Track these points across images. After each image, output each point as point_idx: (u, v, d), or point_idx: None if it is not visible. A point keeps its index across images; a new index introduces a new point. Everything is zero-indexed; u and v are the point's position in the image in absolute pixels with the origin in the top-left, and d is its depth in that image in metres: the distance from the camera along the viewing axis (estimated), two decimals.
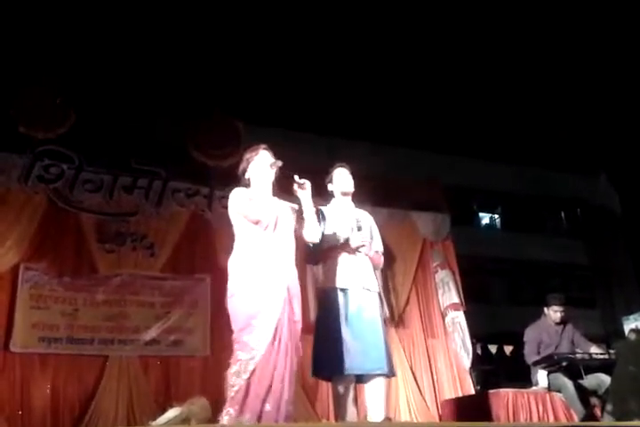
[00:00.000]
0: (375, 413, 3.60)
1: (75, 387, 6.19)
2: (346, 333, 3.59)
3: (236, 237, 3.43)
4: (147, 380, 6.46)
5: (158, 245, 7.10)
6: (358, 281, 3.78)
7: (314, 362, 3.68)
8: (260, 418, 2.99)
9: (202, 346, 6.86)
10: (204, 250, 7.26)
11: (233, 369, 3.11)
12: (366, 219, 4.10)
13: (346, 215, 3.95)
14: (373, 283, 3.89)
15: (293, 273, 3.39)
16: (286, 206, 3.55)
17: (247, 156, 3.60)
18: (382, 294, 4.12)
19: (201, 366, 6.75)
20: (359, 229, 3.90)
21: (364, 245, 3.85)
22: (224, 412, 3.02)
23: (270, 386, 3.06)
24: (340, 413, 3.61)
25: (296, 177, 3.49)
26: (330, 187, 4.14)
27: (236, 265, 3.35)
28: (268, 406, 3.02)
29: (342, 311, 3.66)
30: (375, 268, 4.01)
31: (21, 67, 7.00)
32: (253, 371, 3.05)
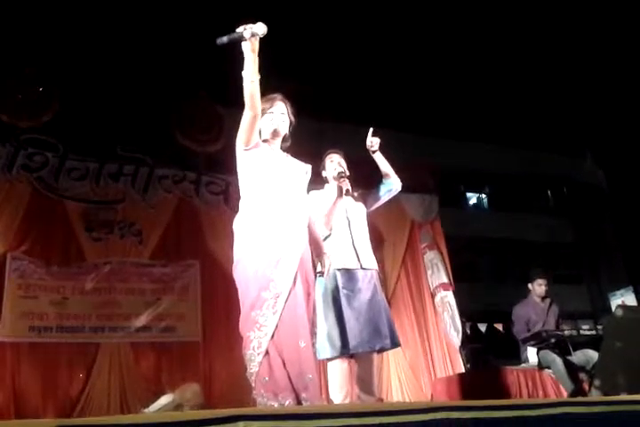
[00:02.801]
0: (367, 388, 3.65)
1: (66, 375, 6.20)
2: (347, 312, 3.63)
3: (241, 196, 3.10)
4: (139, 367, 6.47)
5: (146, 232, 7.06)
6: (357, 260, 3.83)
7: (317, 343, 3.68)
8: (296, 398, 2.72)
9: (193, 331, 6.86)
10: (192, 236, 7.24)
11: (247, 354, 2.79)
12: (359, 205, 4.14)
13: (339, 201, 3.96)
14: (372, 261, 3.93)
15: (305, 241, 3.04)
16: (299, 166, 3.23)
17: (262, 106, 3.14)
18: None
19: (193, 351, 6.76)
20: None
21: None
22: (257, 400, 2.73)
23: (285, 362, 2.76)
24: (340, 392, 3.62)
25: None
26: (323, 173, 4.16)
27: (241, 226, 3.00)
28: (296, 385, 2.73)
29: (342, 291, 3.70)
30: None
31: (2, 55, 6.89)
32: (266, 352, 2.74)
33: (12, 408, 5.78)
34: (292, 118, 3.26)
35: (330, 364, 3.71)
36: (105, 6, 7.54)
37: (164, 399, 3.46)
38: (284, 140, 3.26)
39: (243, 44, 2.86)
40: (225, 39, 2.85)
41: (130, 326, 6.59)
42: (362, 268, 3.84)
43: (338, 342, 3.59)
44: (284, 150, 3.26)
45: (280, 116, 3.20)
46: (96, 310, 6.55)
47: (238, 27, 2.84)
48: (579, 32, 8.36)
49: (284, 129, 3.23)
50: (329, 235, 3.86)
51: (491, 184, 17.27)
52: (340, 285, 3.73)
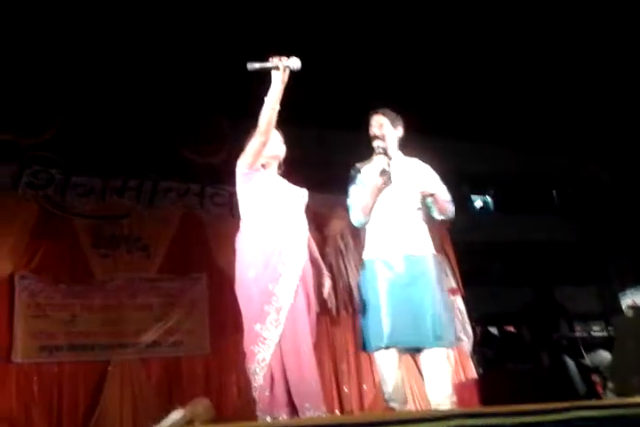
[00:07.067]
0: (433, 389, 3.29)
1: (78, 394, 6.18)
2: (385, 305, 3.32)
3: (242, 216, 3.23)
4: (150, 382, 6.45)
5: (153, 247, 7.05)
6: (399, 248, 3.43)
7: (360, 337, 3.49)
8: (293, 412, 2.83)
9: (202, 345, 6.85)
10: (198, 249, 7.22)
11: (252, 368, 2.92)
12: (418, 166, 3.70)
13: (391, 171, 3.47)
14: (418, 247, 3.48)
15: (305, 257, 3.16)
16: (297, 190, 3.37)
17: None
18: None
19: (203, 365, 6.75)
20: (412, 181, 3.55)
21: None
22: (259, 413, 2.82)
23: (287, 371, 2.89)
24: (383, 389, 3.38)
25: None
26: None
27: (243, 245, 3.13)
28: (296, 399, 2.86)
29: (381, 283, 3.39)
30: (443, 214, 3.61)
31: (3, 73, 6.90)
32: (270, 364, 2.87)
33: None
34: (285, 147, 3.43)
35: (375, 357, 3.42)
36: (106, 21, 7.56)
37: (176, 415, 3.46)
38: (278, 166, 3.43)
39: (274, 73, 3.00)
40: (257, 66, 2.98)
41: (139, 343, 6.57)
42: (406, 255, 3.41)
43: (375, 336, 3.31)
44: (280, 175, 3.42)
45: (279, 142, 3.38)
46: (105, 327, 6.53)
47: (268, 56, 2.99)
48: (580, 30, 8.33)
49: (282, 155, 3.42)
50: (367, 221, 3.53)
51: (496, 186, 17.22)
52: (380, 275, 3.40)
